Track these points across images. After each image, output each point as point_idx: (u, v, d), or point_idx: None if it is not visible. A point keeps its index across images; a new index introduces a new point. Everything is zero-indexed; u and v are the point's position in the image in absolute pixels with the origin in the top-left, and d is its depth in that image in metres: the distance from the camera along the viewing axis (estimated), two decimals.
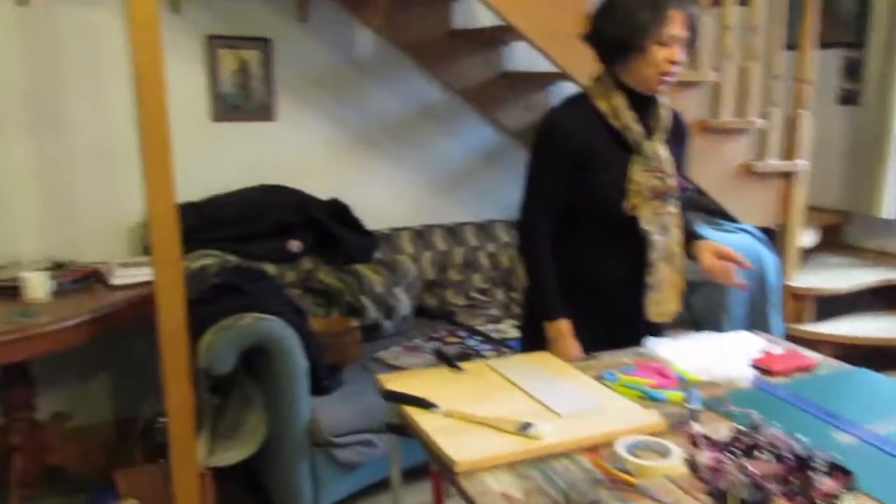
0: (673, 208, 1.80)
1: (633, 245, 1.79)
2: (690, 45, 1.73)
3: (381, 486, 2.42)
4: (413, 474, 2.17)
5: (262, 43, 3.07)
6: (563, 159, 1.76)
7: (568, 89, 2.90)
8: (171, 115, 1.90)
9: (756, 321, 3.02)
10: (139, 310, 2.34)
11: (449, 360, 1.66)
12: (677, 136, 1.87)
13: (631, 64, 1.71)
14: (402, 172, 3.49)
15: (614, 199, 1.75)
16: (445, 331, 3.08)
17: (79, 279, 2.46)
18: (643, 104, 1.78)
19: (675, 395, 1.48)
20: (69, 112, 2.76)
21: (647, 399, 1.48)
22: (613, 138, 1.77)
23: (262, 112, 3.12)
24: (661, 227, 1.79)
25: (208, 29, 2.95)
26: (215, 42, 2.98)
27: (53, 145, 2.75)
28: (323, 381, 2.43)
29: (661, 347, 1.74)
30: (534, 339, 1.85)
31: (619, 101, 1.76)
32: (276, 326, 2.23)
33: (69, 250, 2.75)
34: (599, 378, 1.57)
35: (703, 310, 2.95)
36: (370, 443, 2.37)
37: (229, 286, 2.35)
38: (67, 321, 2.18)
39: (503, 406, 1.41)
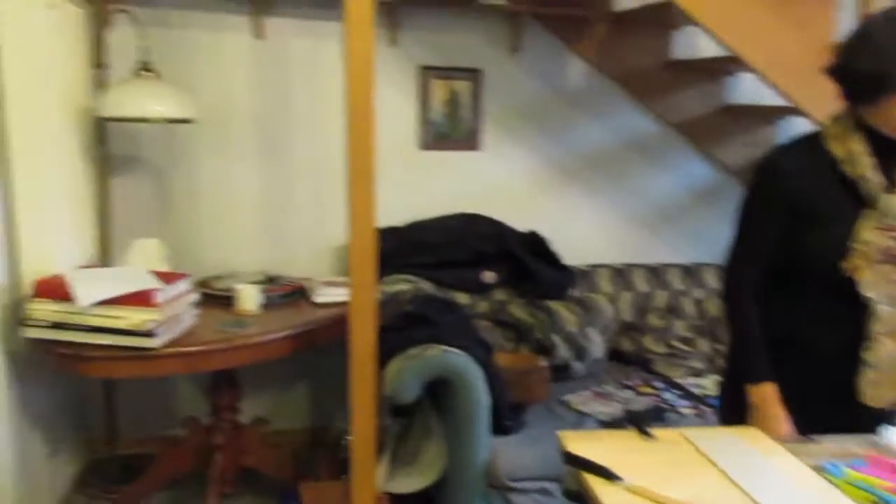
0: None
1: (853, 313, 1.52)
2: None
3: None
4: None
5: (473, 73, 3.10)
6: (780, 206, 1.54)
7: (799, 126, 2.60)
8: (382, 143, 1.95)
9: None
10: (338, 328, 2.42)
11: (640, 425, 1.50)
12: None
13: (883, 105, 1.46)
14: (604, 207, 3.35)
15: (833, 257, 1.49)
16: (640, 379, 2.88)
17: (286, 294, 2.61)
18: (888, 151, 1.51)
19: None
20: (290, 138, 2.95)
21: None
22: (844, 188, 1.52)
23: (468, 141, 3.14)
24: (890, 296, 1.51)
25: (422, 60, 3.04)
26: (428, 73, 3.05)
27: (274, 168, 2.96)
28: (505, 420, 2.36)
29: None
30: (734, 402, 1.64)
31: (858, 146, 1.51)
32: (461, 361, 2.19)
33: (280, 265, 2.94)
34: (820, 469, 1.33)
35: None
36: (548, 492, 2.25)
37: (419, 316, 2.36)
38: (273, 334, 2.30)
39: (696, 488, 1.24)
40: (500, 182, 3.21)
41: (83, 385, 2.79)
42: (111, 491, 2.63)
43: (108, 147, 2.64)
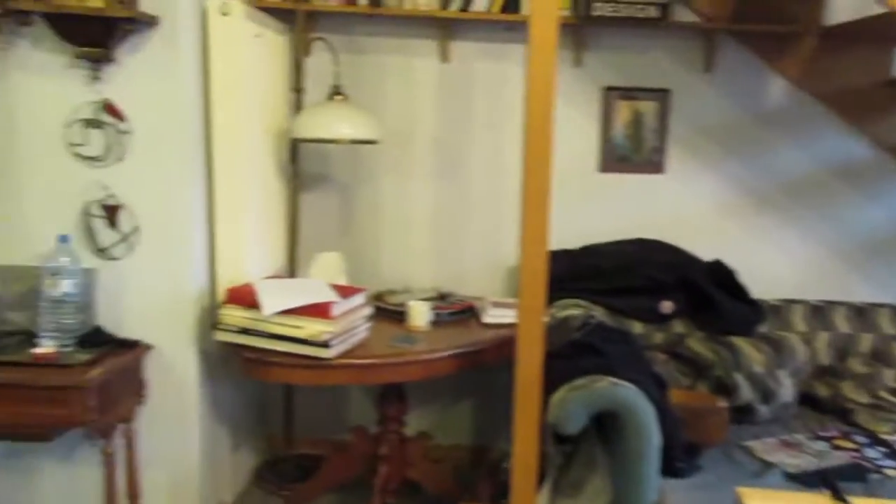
0: None
1: None
2: None
3: None
4: None
5: (661, 94, 2.96)
6: None
7: None
8: (560, 164, 1.91)
9: None
10: (505, 349, 2.40)
11: (835, 489, 1.33)
12: None
13: None
14: (801, 237, 3.06)
15: None
16: (837, 431, 2.58)
17: (455, 312, 2.63)
18: None
19: None
20: (469, 157, 2.99)
21: None
22: None
23: (651, 164, 3.01)
24: None
25: (607, 81, 2.95)
26: (612, 94, 2.96)
27: (451, 187, 3.00)
28: (677, 462, 2.20)
29: None
30: None
31: None
32: (631, 395, 2.08)
33: (453, 282, 2.98)
34: None
35: None
36: None
37: (588, 344, 2.27)
38: (441, 352, 2.33)
39: None
40: (683, 207, 3.04)
41: (265, 386, 2.99)
42: (285, 488, 2.78)
43: (301, 165, 2.82)
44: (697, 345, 2.75)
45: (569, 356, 2.26)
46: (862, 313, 2.94)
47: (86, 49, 2.11)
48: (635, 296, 2.80)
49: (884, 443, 2.47)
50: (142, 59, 2.19)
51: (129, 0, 2.09)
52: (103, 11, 2.05)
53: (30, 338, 2.14)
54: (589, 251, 2.93)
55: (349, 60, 2.83)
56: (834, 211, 3.05)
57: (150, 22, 2.16)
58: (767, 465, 2.30)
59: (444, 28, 2.88)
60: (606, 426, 2.15)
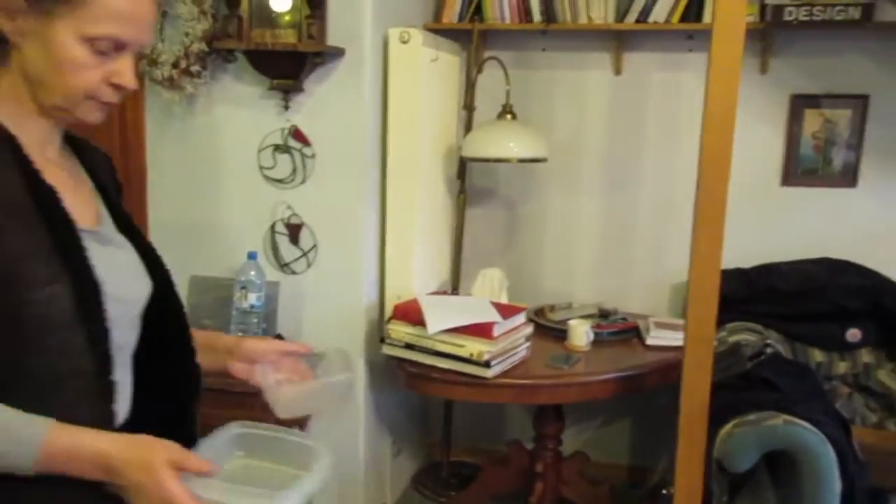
0: None
1: None
2: None
3: None
4: None
5: (858, 101, 2.70)
6: None
7: None
8: (739, 177, 1.82)
9: None
10: (668, 374, 2.32)
11: None
12: None
13: None
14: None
15: None
16: None
17: (617, 332, 2.58)
18: None
19: None
20: (638, 171, 2.90)
21: None
22: None
23: (842, 177, 2.76)
24: None
25: (796, 88, 2.74)
26: (800, 101, 2.75)
27: (619, 202, 2.94)
28: None
29: None
30: None
31: None
32: (810, 437, 1.94)
33: (617, 298, 2.91)
34: None
35: None
36: None
37: (762, 378, 2.15)
38: (600, 375, 2.31)
39: None
40: (878, 224, 2.75)
41: (427, 396, 3.10)
42: (442, 495, 2.88)
43: (468, 181, 2.88)
44: (888, 378, 2.51)
45: (739, 388, 2.15)
46: None
47: (278, 81, 2.30)
48: (817, 322, 2.60)
49: None
50: (327, 88, 2.35)
51: (319, 34, 2.25)
52: (296, 46, 2.22)
53: None
54: (766, 270, 2.74)
55: (520, 76, 2.83)
56: None
57: (336, 53, 2.31)
58: None
59: (619, 40, 2.81)
60: (779, 467, 2.03)
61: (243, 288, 2.34)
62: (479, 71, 2.76)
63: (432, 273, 2.77)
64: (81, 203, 1.02)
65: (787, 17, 2.54)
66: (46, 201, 0.95)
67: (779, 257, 2.77)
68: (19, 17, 0.92)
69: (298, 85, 2.32)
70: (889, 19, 2.58)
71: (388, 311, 2.46)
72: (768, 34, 2.67)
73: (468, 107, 2.78)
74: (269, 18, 2.27)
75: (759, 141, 2.77)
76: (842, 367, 2.59)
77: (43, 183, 0.95)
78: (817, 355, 2.59)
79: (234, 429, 1.09)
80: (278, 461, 1.08)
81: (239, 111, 2.42)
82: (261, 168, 2.43)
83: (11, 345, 0.91)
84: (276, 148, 2.41)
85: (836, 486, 1.93)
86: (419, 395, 2.99)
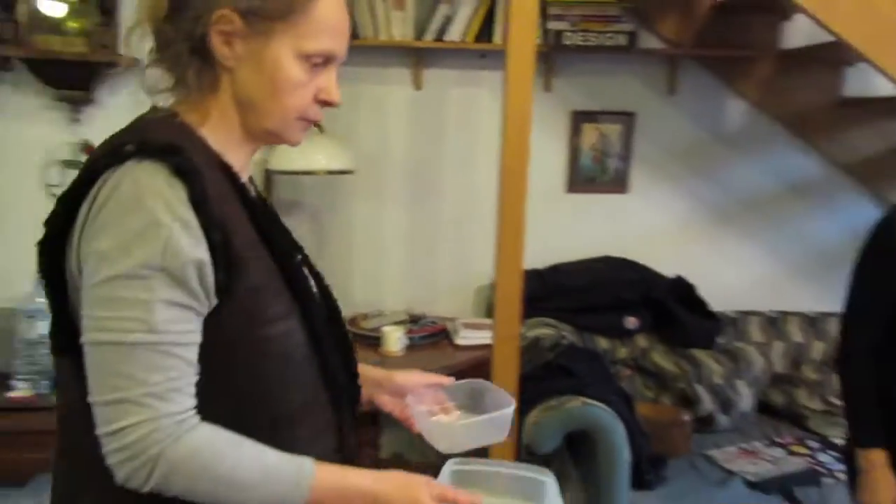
0: None
1: None
2: None
3: None
4: None
5: (626, 117, 3.08)
6: (893, 273, 1.51)
7: None
8: (531, 185, 1.99)
9: None
10: (480, 371, 2.46)
11: (791, 493, 1.46)
12: None
13: None
14: (759, 252, 3.22)
15: None
16: (792, 437, 2.73)
17: (428, 336, 2.71)
18: None
19: None
20: (441, 181, 3.07)
21: None
22: None
23: (616, 184, 3.12)
24: None
25: (576, 105, 3.06)
26: (579, 117, 3.07)
27: (423, 211, 3.08)
28: (645, 474, 2.33)
29: None
30: (854, 464, 1.60)
31: None
32: (604, 416, 2.19)
33: (425, 303, 3.05)
34: None
35: None
36: None
37: (561, 366, 2.38)
38: None
39: None
40: (647, 226, 3.16)
41: None
42: None
43: (275, 195, 2.86)
44: (661, 358, 2.88)
45: (541, 378, 2.36)
46: (814, 322, 3.10)
47: (66, 92, 2.15)
48: (601, 313, 2.92)
49: (835, 447, 2.62)
50: (122, 100, 2.24)
51: (112, 43, 2.13)
52: (86, 56, 2.09)
53: (3, 380, 2.14)
54: (556, 270, 3.03)
55: None
56: (788, 225, 3.21)
57: (130, 64, 2.19)
58: (729, 474, 2.43)
59: (418, 56, 2.95)
60: (577, 445, 2.26)
61: (30, 317, 2.14)
62: None
63: None
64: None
65: (566, 41, 2.83)
66: (268, 232, 0.93)
67: (567, 257, 3.07)
68: (236, 41, 0.90)
69: (89, 96, 2.18)
70: (650, 46, 2.97)
71: None
72: (550, 56, 2.95)
73: None
74: (53, 25, 2.11)
75: (545, 152, 3.04)
76: (623, 351, 2.93)
77: (266, 214, 0.95)
78: (602, 342, 2.90)
79: (450, 467, 1.11)
80: (504, 494, 1.09)
81: (19, 124, 2.22)
82: (47, 186, 2.25)
83: (254, 382, 0.90)
84: (66, 164, 2.24)
85: (626, 456, 2.20)
86: None
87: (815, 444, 2.67)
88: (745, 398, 2.80)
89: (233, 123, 0.95)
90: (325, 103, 0.96)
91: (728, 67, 3.04)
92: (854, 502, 1.61)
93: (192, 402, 0.86)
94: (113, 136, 0.93)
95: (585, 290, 2.94)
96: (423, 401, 1.21)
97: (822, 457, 2.58)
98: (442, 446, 1.15)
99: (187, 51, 0.90)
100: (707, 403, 2.75)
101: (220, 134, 0.94)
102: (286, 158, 2.55)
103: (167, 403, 0.83)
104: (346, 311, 2.77)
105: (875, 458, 1.52)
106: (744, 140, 3.14)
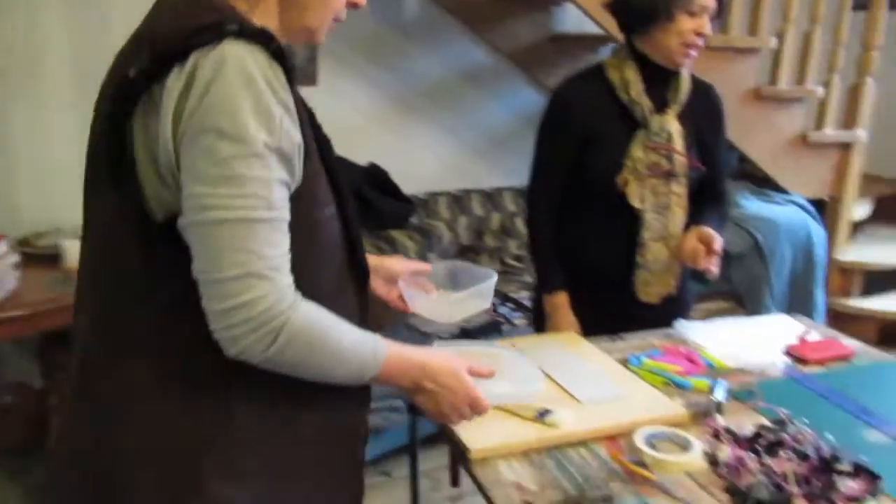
0: (678, 188, 1.73)
1: (629, 224, 1.73)
2: (718, 14, 1.65)
3: (403, 450, 2.44)
4: (432, 439, 2.17)
5: None
6: (566, 137, 1.73)
7: None
8: None
9: (799, 295, 2.94)
10: None
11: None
12: (708, 113, 1.78)
13: (654, 34, 1.64)
14: (441, 136, 3.46)
15: (610, 174, 1.69)
16: None
17: None
18: (662, 77, 1.70)
19: (702, 383, 1.44)
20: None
21: (673, 386, 1.45)
22: (621, 112, 1.70)
23: (304, 77, 3.10)
24: (658, 206, 1.72)
25: None
26: None
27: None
28: None
29: (692, 331, 1.70)
30: (540, 313, 1.86)
31: (632, 74, 1.69)
32: None
33: None
34: (626, 362, 1.54)
35: (743, 283, 2.88)
36: (397, 409, 2.40)
37: None
38: None
39: (518, 385, 1.38)
40: (337, 117, 3.15)
41: None
42: None
43: None
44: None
45: None
46: (491, 197, 3.47)
47: None
48: None
49: (512, 300, 3.01)
50: None
51: None
52: None
53: None
54: None
55: None
56: (465, 110, 3.49)
57: None
58: (427, 335, 2.67)
59: None
60: None
61: None
62: None
63: None
64: None
65: None
66: (312, 119, 0.99)
67: None
68: None
69: None
70: None
71: None
72: None
73: None
74: None
75: None
76: None
77: (304, 102, 0.97)
78: None
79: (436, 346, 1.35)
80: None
81: None
82: None
83: (308, 259, 0.93)
84: None
85: None
86: None
87: (495, 300, 3.03)
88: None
89: (273, 17, 0.96)
90: (354, 5, 1.05)
91: None
92: None
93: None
94: (172, 17, 0.91)
95: None
96: (411, 285, 1.33)
97: (502, 309, 2.95)
98: (442, 319, 1.35)
99: None
100: None
101: (265, 24, 0.93)
102: None
103: (284, 276, 0.89)
104: (16, 232, 2.49)
105: (557, 301, 1.78)
106: (420, 31, 3.29)
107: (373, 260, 1.27)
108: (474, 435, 1.22)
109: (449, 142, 3.49)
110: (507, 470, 1.17)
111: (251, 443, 0.95)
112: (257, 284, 0.86)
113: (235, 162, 0.84)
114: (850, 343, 1.68)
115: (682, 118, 1.72)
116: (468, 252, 3.30)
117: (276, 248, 0.88)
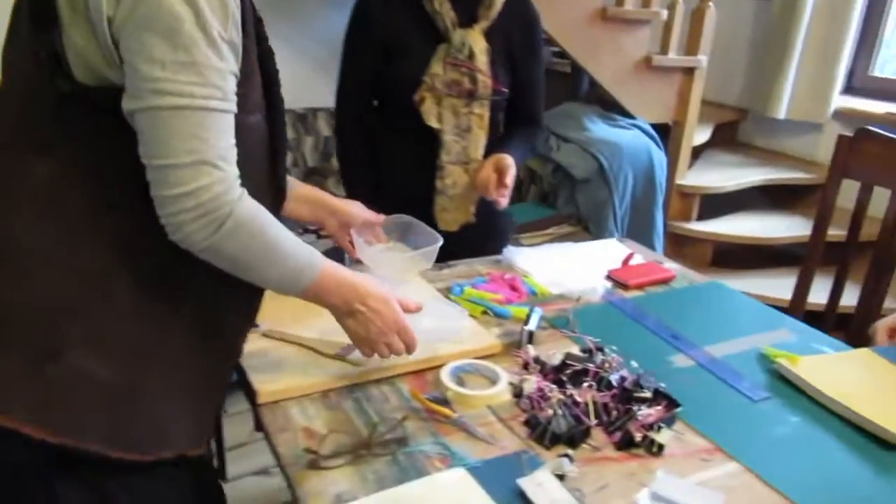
0: (480, 109, 1.62)
1: (430, 144, 1.63)
2: None
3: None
4: None
5: None
6: (370, 41, 1.61)
7: None
8: None
9: (640, 220, 3.00)
10: None
11: None
12: (520, 27, 1.66)
13: None
14: (288, 54, 3.20)
15: (408, 89, 1.59)
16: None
17: None
18: None
19: (522, 311, 1.39)
20: None
21: (492, 315, 1.40)
22: (426, 24, 1.58)
23: None
24: (458, 128, 1.62)
25: None
26: None
27: None
28: None
29: (519, 258, 1.65)
30: None
31: None
32: None
33: None
34: (449, 291, 1.47)
35: (587, 207, 2.90)
36: None
37: None
38: None
39: (331, 325, 1.29)
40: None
41: None
42: None
43: None
44: None
45: None
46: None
47: None
48: None
49: None
50: None
51: None
52: None
53: None
54: None
55: None
56: (307, 22, 3.24)
57: None
58: None
59: None
60: None
61: None
62: None
63: None
64: None
65: None
66: (259, 30, 0.98)
67: None
68: None
69: None
70: None
71: None
72: None
73: None
74: None
75: None
76: None
77: (255, 9, 0.98)
78: None
79: None
80: None
81: None
82: None
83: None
84: None
85: None
86: None
87: None
88: None
89: None
90: None
91: None
92: None
93: None
94: None
95: None
96: (363, 234, 1.40)
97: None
98: (385, 273, 1.37)
99: None
100: None
101: None
102: None
103: (233, 167, 0.89)
104: None
105: None
106: None
107: (335, 202, 1.36)
108: (264, 376, 1.11)
109: (294, 58, 3.24)
110: (298, 414, 1.07)
111: (125, 322, 0.91)
112: (209, 172, 0.85)
113: (195, 49, 0.83)
114: (672, 266, 1.69)
115: (492, 35, 1.61)
116: (314, 175, 3.13)
117: (227, 139, 0.88)
